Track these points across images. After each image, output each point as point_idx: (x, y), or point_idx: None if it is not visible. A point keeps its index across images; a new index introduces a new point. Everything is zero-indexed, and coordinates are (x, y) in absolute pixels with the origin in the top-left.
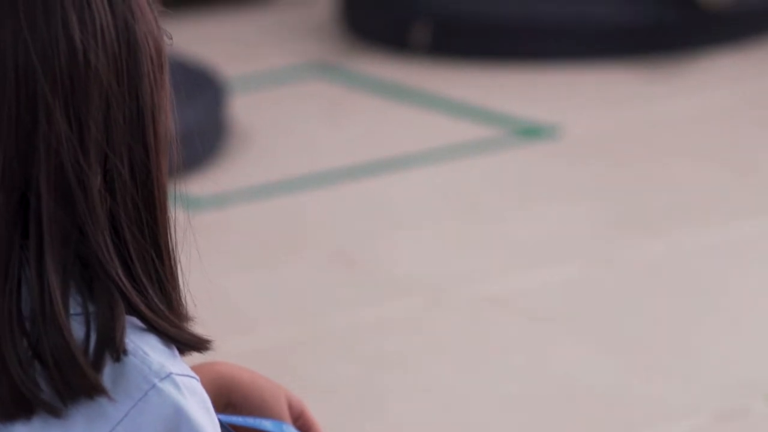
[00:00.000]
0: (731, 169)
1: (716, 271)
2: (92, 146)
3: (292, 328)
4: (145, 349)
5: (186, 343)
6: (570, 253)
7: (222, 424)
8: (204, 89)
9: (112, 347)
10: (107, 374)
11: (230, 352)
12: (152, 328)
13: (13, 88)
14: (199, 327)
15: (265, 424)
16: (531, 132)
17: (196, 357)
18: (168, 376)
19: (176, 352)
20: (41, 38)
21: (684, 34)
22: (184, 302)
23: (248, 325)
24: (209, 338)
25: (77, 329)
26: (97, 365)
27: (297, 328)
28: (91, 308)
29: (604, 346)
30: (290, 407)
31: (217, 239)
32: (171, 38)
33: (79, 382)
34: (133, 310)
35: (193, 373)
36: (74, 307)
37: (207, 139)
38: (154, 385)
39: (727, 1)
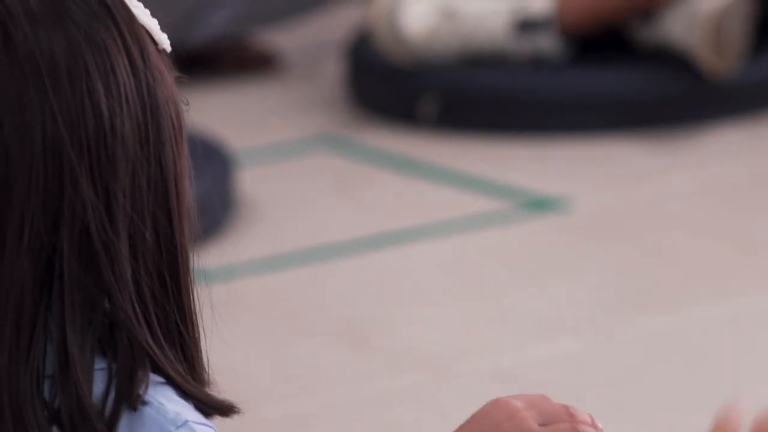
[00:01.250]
0: (738, 245)
1: (722, 348)
2: (118, 212)
3: (301, 401)
4: (161, 399)
5: (215, 406)
6: (576, 328)
7: None
8: (212, 162)
9: (130, 401)
10: (123, 424)
11: (239, 424)
12: (182, 392)
13: (41, 156)
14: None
15: None
16: (538, 205)
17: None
18: (184, 423)
19: (192, 405)
20: (68, 106)
21: (691, 107)
22: (206, 367)
23: (258, 396)
24: (236, 403)
25: (99, 383)
26: (113, 421)
27: (306, 401)
28: (115, 366)
29: (613, 423)
30: None
31: (225, 312)
32: (188, 103)
33: None
34: (160, 373)
35: (209, 422)
36: (99, 362)
37: (214, 212)
38: None
39: (733, 68)
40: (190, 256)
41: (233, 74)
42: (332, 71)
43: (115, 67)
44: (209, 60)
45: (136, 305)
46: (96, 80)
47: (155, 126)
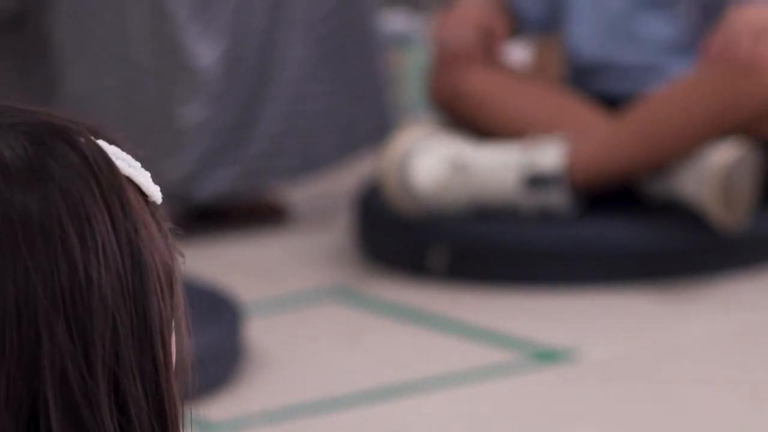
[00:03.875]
0: (747, 396)
1: None
2: (98, 362)
3: None
4: None
5: None
6: None
7: None
8: (221, 313)
9: None
10: None
11: None
12: None
13: (14, 309)
14: None
15: None
16: (547, 356)
17: None
18: None
19: None
20: (40, 260)
21: (700, 259)
22: None
23: None
24: None
25: None
26: None
27: None
28: None
29: None
30: None
31: None
32: (183, 256)
33: None
34: None
35: None
36: None
37: (223, 363)
38: None
39: (742, 221)
40: (180, 407)
41: (243, 226)
42: (342, 223)
43: (92, 219)
44: (219, 212)
45: None
46: (70, 233)
47: (138, 277)
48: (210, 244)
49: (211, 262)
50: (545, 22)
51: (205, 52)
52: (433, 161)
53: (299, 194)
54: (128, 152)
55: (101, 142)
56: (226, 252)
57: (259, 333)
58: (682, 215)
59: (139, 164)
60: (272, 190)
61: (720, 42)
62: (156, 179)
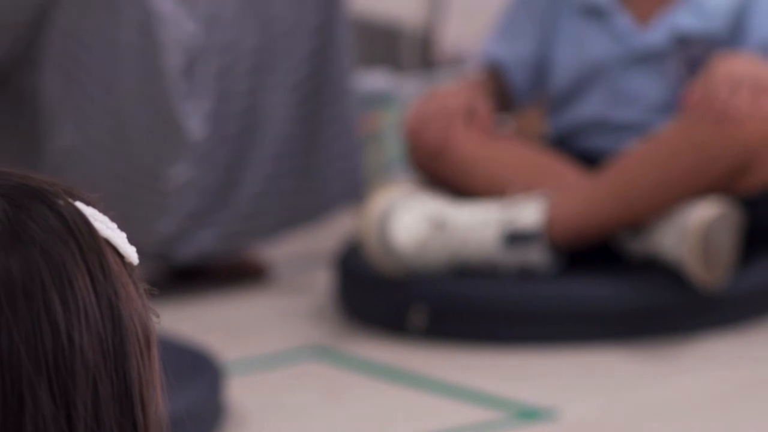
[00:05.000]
0: None
1: None
2: (80, 425)
3: None
4: None
5: None
6: None
7: None
8: (202, 372)
9: None
10: None
11: None
12: None
13: None
14: None
15: None
16: (529, 415)
17: None
18: None
19: None
20: (24, 323)
21: (680, 318)
22: None
23: None
24: None
25: None
26: None
27: None
28: None
29: None
30: None
31: None
32: (158, 316)
33: None
34: None
35: None
36: None
37: (204, 422)
38: None
39: (722, 280)
40: None
41: (223, 284)
42: (322, 281)
43: (73, 282)
44: (199, 271)
45: None
46: (53, 295)
47: (118, 338)
48: (190, 303)
49: (191, 321)
50: (535, 92)
51: (193, 112)
52: (412, 219)
53: (279, 253)
54: (104, 213)
55: (79, 204)
56: (206, 311)
57: (240, 392)
58: (662, 273)
59: (115, 226)
60: (252, 249)
61: (699, 93)
62: (140, 239)
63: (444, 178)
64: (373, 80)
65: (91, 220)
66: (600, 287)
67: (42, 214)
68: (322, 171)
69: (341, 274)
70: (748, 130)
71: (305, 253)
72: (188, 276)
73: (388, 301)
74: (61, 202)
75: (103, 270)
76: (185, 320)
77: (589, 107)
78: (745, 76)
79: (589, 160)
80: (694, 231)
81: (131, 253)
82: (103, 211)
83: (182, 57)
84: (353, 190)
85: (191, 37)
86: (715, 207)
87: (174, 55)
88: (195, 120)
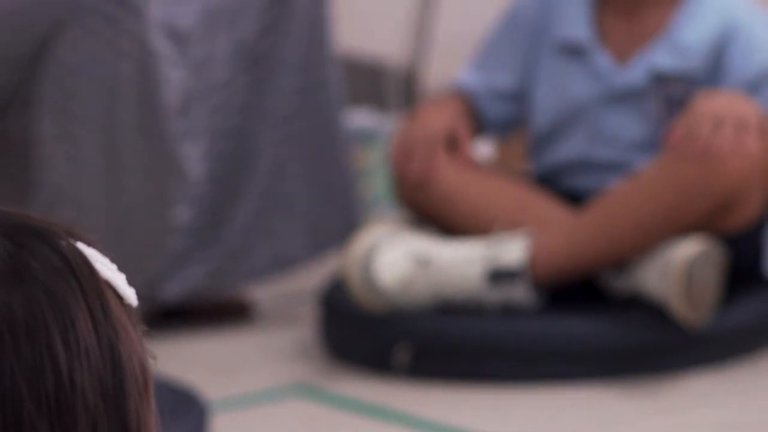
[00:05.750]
0: None
1: None
2: None
3: None
4: None
5: None
6: None
7: None
8: (187, 410)
9: None
10: None
11: None
12: None
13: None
14: None
15: None
16: None
17: None
18: None
19: None
20: (27, 363)
21: (664, 355)
22: None
23: None
24: None
25: None
26: None
27: None
28: None
29: None
30: None
31: None
32: (155, 357)
33: None
34: None
35: None
36: None
37: None
38: None
39: (706, 318)
40: None
41: (208, 323)
42: (307, 319)
43: (75, 323)
44: (184, 309)
45: None
46: (55, 336)
47: (117, 379)
48: (174, 341)
49: (175, 359)
50: (509, 122)
51: (190, 152)
52: (396, 257)
53: (264, 291)
54: (104, 254)
55: (80, 245)
56: (191, 349)
57: (225, 430)
58: (646, 311)
59: (115, 267)
60: (237, 287)
61: (681, 131)
62: (130, 279)
63: (429, 212)
64: (358, 118)
65: (93, 261)
66: (584, 325)
67: (44, 253)
68: (313, 211)
69: (325, 312)
70: (731, 169)
71: (290, 291)
72: (172, 314)
73: (372, 338)
74: (62, 242)
75: (104, 311)
76: (170, 358)
77: (571, 147)
78: (728, 113)
79: (572, 198)
80: (678, 269)
81: (130, 295)
82: (103, 252)
83: (178, 96)
84: (348, 231)
85: (185, 76)
86: (698, 245)
87: (170, 94)
88: (192, 160)
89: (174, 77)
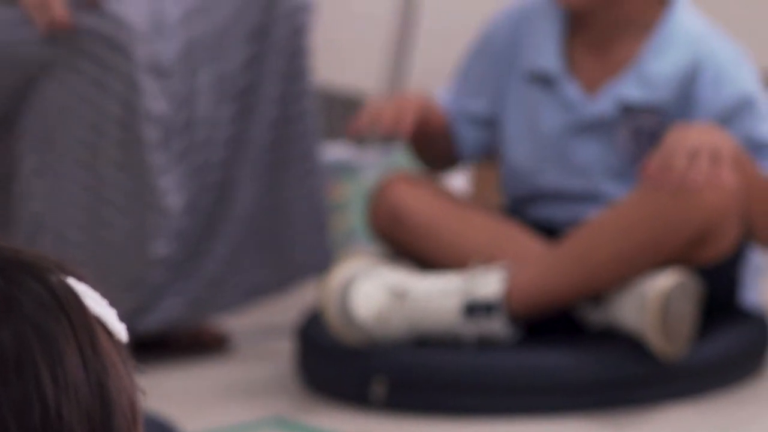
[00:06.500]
0: None
1: None
2: None
3: None
4: None
5: None
6: None
7: None
8: None
9: None
10: None
11: None
12: None
13: None
14: None
15: None
16: None
17: None
18: None
19: None
20: (14, 397)
21: (641, 387)
22: None
23: None
24: None
25: None
26: None
27: None
28: None
29: None
30: None
31: None
32: (145, 392)
33: None
34: None
35: None
36: None
37: None
38: None
39: (682, 350)
40: None
41: (184, 355)
42: (284, 352)
43: (64, 358)
44: (161, 342)
45: None
46: (43, 371)
47: (106, 415)
48: (150, 373)
49: (153, 391)
50: (482, 148)
51: (171, 187)
52: (373, 289)
53: (240, 323)
54: (95, 289)
55: (71, 280)
56: (169, 381)
57: None
58: (623, 343)
59: (106, 302)
60: (213, 319)
61: (657, 163)
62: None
63: (404, 246)
64: (335, 151)
65: (83, 296)
66: (561, 358)
67: (34, 288)
68: (290, 244)
69: (302, 345)
70: (707, 201)
71: (267, 323)
72: (149, 346)
73: (348, 371)
74: (53, 277)
75: (93, 347)
76: (148, 391)
77: (543, 178)
78: (703, 145)
79: (547, 230)
80: (654, 301)
81: (120, 331)
82: (94, 287)
83: (159, 131)
84: (321, 263)
85: (167, 111)
86: (675, 277)
87: (153, 129)
88: (174, 195)
89: (156, 111)
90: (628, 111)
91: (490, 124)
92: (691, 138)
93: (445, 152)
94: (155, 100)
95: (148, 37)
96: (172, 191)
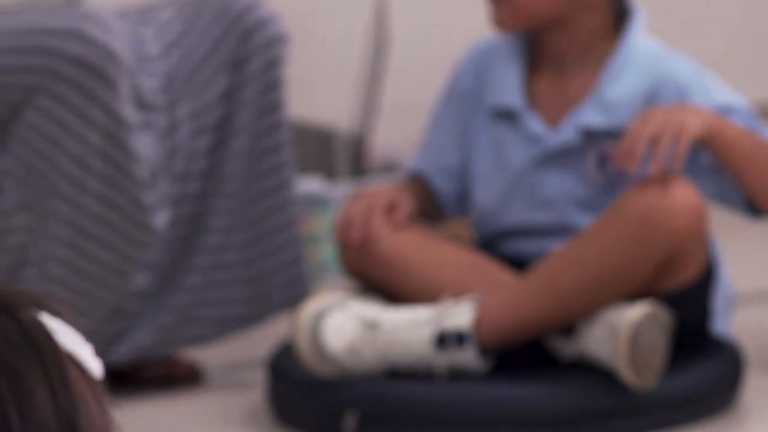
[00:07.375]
0: None
1: None
2: None
3: None
4: None
5: None
6: None
7: None
8: None
9: None
10: None
11: None
12: None
13: None
14: None
15: None
16: None
17: None
18: None
19: None
20: None
21: (614, 419)
22: None
23: None
24: None
25: None
26: None
27: None
28: None
29: None
30: None
31: None
32: (120, 429)
33: None
34: None
35: None
36: None
37: None
38: None
39: (652, 382)
40: None
41: (157, 387)
42: (256, 385)
43: (33, 395)
44: (132, 373)
45: None
46: (11, 409)
47: None
48: (124, 405)
49: (125, 423)
50: (465, 199)
51: (157, 220)
52: (344, 321)
53: (212, 355)
54: (71, 324)
55: (45, 316)
56: (141, 413)
57: None
58: (594, 374)
59: (81, 339)
60: (185, 352)
61: (620, 150)
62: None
63: (375, 281)
64: (307, 184)
65: (56, 333)
66: (533, 390)
67: (3, 324)
68: (265, 276)
69: (273, 377)
70: (676, 225)
71: (239, 356)
72: (120, 378)
73: (320, 404)
74: (24, 314)
75: (63, 383)
76: (119, 423)
77: (511, 214)
78: (667, 128)
79: (517, 265)
80: (624, 333)
81: (95, 367)
82: (70, 323)
83: (146, 166)
84: (297, 296)
85: (152, 144)
86: (644, 309)
87: (138, 166)
88: (158, 228)
89: (142, 145)
90: (591, 137)
91: (464, 174)
92: (655, 122)
93: (434, 213)
94: (141, 133)
95: (132, 70)
96: (158, 225)
